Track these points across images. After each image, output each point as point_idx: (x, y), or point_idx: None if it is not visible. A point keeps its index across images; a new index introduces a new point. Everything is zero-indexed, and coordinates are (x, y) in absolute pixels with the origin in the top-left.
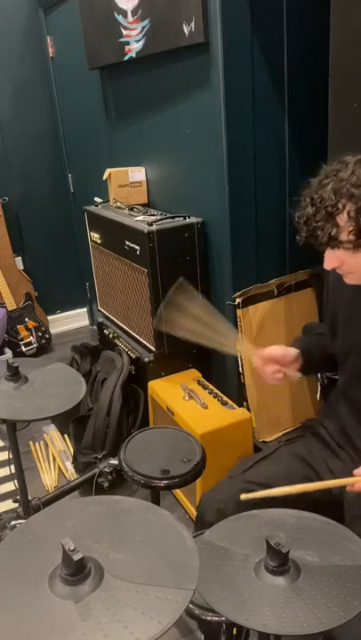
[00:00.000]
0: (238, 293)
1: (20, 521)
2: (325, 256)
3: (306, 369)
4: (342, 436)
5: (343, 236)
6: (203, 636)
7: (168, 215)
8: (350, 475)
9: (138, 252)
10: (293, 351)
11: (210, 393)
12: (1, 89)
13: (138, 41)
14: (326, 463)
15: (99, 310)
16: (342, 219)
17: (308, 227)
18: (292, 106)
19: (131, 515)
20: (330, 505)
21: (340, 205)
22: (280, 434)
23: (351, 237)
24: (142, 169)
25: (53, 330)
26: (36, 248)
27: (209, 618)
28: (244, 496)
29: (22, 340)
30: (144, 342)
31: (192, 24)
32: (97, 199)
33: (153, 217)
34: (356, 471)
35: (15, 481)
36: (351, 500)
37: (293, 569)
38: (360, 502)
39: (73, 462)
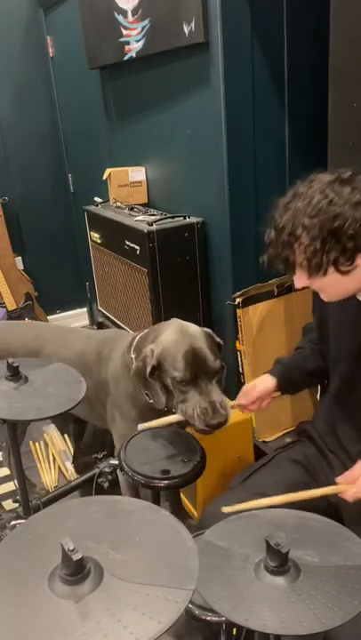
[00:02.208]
0: (238, 293)
1: (20, 521)
2: (294, 276)
3: (286, 392)
4: (335, 440)
5: (298, 263)
6: (201, 636)
7: (168, 215)
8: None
9: (138, 252)
10: (273, 383)
11: None
12: (1, 89)
13: (138, 41)
14: (323, 469)
15: (99, 310)
16: (298, 247)
17: (270, 251)
18: (292, 106)
19: (131, 515)
20: (328, 511)
21: (296, 234)
22: (280, 434)
23: (305, 264)
24: (142, 169)
25: None
26: (36, 248)
27: (209, 618)
28: (225, 508)
29: None
30: None
31: (192, 24)
32: (97, 199)
33: (153, 217)
34: (338, 479)
35: (15, 481)
36: (349, 505)
37: (293, 569)
38: (357, 507)
39: (73, 462)
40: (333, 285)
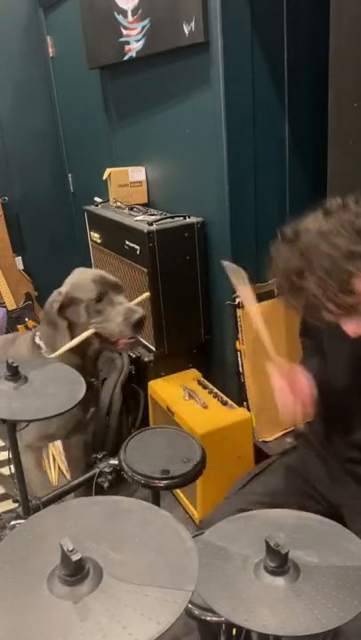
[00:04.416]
0: None
1: (19, 521)
2: (344, 326)
3: None
4: (330, 445)
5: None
6: (200, 636)
7: (168, 215)
8: (344, 491)
9: (138, 252)
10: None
11: (210, 393)
12: (1, 89)
13: (138, 41)
14: (320, 475)
15: None
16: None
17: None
18: (292, 106)
19: (130, 515)
20: (329, 511)
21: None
22: (280, 434)
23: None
24: (142, 169)
25: None
26: (36, 248)
27: (208, 618)
28: None
29: None
30: (144, 342)
31: (192, 24)
32: (97, 199)
33: (153, 217)
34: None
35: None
36: (351, 513)
37: (293, 569)
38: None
39: None
40: None
